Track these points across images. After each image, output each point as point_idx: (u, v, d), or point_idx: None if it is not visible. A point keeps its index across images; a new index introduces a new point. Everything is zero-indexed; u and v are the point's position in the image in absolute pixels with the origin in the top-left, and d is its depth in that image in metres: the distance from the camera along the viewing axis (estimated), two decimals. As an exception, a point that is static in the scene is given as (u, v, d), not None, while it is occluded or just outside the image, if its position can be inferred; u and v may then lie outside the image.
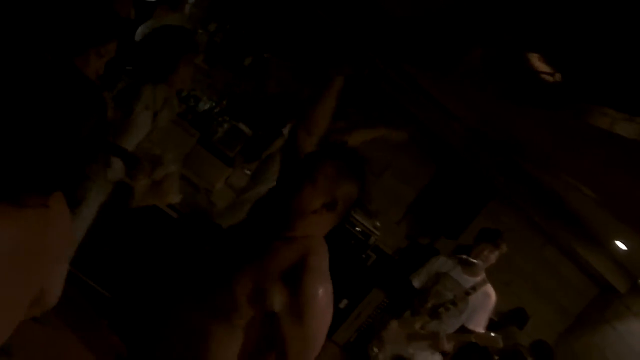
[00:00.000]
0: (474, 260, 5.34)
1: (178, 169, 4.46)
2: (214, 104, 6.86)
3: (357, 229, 6.91)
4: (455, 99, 6.06)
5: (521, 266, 7.80)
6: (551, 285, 8.08)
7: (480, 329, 5.38)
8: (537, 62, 3.27)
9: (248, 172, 6.29)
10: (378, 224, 7.08)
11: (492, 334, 5.34)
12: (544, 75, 3.20)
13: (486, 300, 5.41)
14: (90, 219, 4.21)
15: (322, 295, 2.32)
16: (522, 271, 7.87)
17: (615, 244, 6.72)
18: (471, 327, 5.35)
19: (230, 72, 7.11)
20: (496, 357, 5.75)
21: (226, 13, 7.11)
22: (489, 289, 5.42)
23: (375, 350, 5.46)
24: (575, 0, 2.75)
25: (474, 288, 5.34)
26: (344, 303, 7.14)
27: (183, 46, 4.19)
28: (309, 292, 2.29)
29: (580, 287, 8.17)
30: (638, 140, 2.83)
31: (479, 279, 5.39)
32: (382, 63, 6.80)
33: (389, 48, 5.93)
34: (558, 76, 3.07)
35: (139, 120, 4.06)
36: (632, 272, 7.44)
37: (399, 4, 5.08)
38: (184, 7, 5.43)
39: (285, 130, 6.53)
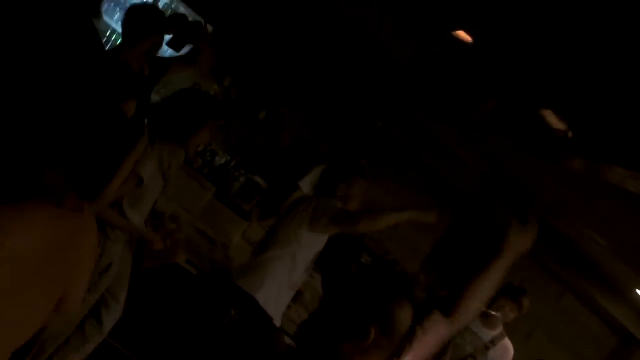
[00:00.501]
0: (495, 313, 5.28)
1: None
2: (229, 158, 6.93)
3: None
4: (468, 148, 6.09)
5: (540, 316, 7.71)
6: (571, 335, 7.98)
7: None
8: (550, 117, 3.31)
9: (266, 227, 6.31)
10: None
11: None
12: (557, 132, 3.23)
13: (505, 354, 5.37)
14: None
15: None
16: (541, 321, 7.78)
17: (635, 292, 6.66)
18: None
19: (245, 125, 7.19)
20: None
21: (241, 68, 7.21)
22: (507, 342, 5.37)
23: None
24: (588, 62, 2.79)
25: (493, 342, 5.28)
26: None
27: (212, 112, 4.25)
28: None
29: (600, 336, 8.06)
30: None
31: (497, 332, 5.33)
32: (395, 114, 6.86)
33: (402, 99, 5.99)
34: (570, 133, 3.10)
35: (151, 185, 4.08)
36: (654, 321, 7.36)
37: (412, 55, 5.16)
38: (205, 62, 5.49)
39: (303, 184, 6.57)
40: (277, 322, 4.38)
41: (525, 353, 7.05)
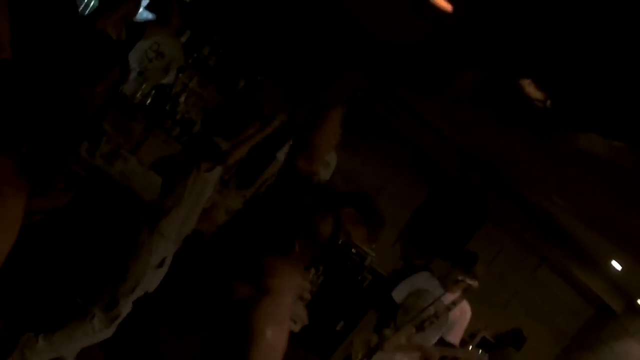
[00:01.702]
0: (471, 282, 5.44)
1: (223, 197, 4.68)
2: (207, 127, 6.87)
3: (353, 250, 6.91)
4: (447, 121, 6.09)
5: (517, 288, 7.80)
6: (547, 307, 8.08)
7: (457, 341, 5.69)
8: (529, 88, 3.30)
9: (244, 197, 6.30)
10: (373, 246, 7.08)
11: (480, 351, 5.51)
12: (535, 101, 3.22)
13: (464, 314, 5.67)
14: None
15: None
16: (518, 293, 7.87)
17: (610, 264, 6.73)
18: (450, 339, 5.63)
19: (224, 95, 7.13)
20: None
21: (220, 36, 7.14)
22: (466, 304, 5.64)
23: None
24: (567, 28, 2.78)
25: (454, 303, 5.53)
26: (340, 325, 7.13)
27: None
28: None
29: (575, 307, 8.17)
30: (625, 165, 2.85)
31: (457, 294, 5.53)
32: (374, 86, 6.83)
33: (381, 72, 5.96)
34: (549, 103, 3.09)
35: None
36: (628, 292, 7.44)
37: (391, 28, 5.12)
38: (173, 22, 5.44)
39: (280, 155, 6.56)
40: None
41: (501, 323, 7.14)
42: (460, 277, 5.58)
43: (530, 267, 7.99)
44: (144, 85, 6.63)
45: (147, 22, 5.03)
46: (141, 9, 5.60)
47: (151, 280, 4.17)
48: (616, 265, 6.67)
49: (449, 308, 5.53)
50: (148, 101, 6.78)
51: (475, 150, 6.50)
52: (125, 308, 4.12)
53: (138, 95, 6.71)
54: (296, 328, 5.59)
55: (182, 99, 6.96)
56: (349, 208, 3.82)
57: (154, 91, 6.83)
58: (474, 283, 5.48)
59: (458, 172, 7.31)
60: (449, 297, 5.55)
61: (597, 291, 7.74)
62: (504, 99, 3.64)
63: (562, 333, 8.21)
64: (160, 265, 4.19)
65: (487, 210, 7.42)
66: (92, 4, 6.79)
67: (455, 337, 5.71)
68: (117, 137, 6.27)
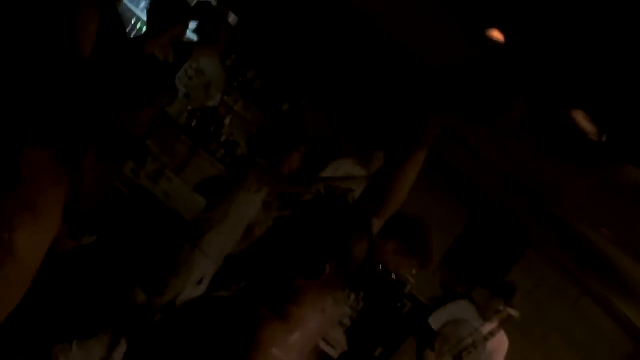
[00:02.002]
0: (513, 313, 5.41)
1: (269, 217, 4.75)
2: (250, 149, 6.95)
3: (393, 276, 6.89)
4: (491, 148, 6.06)
5: (557, 318, 7.70)
6: (587, 339, 7.95)
7: None
8: (582, 120, 3.28)
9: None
10: (414, 272, 7.05)
11: None
12: (587, 134, 3.20)
13: (501, 345, 5.58)
14: None
15: None
16: (558, 324, 7.77)
17: (653, 297, 6.63)
18: None
19: (268, 118, 7.20)
20: None
21: (264, 60, 7.22)
22: (503, 335, 5.57)
23: None
24: (620, 60, 2.77)
25: (492, 333, 5.51)
26: (378, 351, 7.09)
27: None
28: None
29: (616, 341, 8.03)
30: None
31: (495, 325, 5.48)
32: (418, 111, 6.84)
33: (427, 97, 5.96)
34: (604, 137, 3.07)
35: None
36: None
37: (439, 55, 5.13)
38: (221, 44, 5.50)
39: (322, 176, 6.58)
40: None
41: (540, 355, 7.04)
42: (501, 307, 5.55)
43: (572, 298, 7.88)
44: (189, 107, 6.74)
45: (194, 43, 5.08)
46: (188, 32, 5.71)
47: (189, 296, 4.17)
48: (659, 298, 6.57)
49: (486, 338, 5.50)
50: (193, 122, 6.88)
51: (519, 177, 6.46)
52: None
53: (183, 116, 6.81)
54: (335, 353, 5.58)
55: (227, 121, 7.05)
56: (393, 240, 3.75)
57: (199, 113, 6.93)
58: (516, 313, 5.45)
59: (500, 199, 7.27)
60: (486, 327, 5.53)
61: (638, 325, 7.60)
62: (555, 130, 3.63)
63: (602, 366, 8.09)
64: (200, 282, 4.24)
65: (528, 239, 7.36)
66: (139, 26, 6.92)
67: None
68: (162, 157, 6.35)
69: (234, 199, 4.22)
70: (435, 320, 5.79)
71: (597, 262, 7.11)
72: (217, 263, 4.36)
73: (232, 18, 7.35)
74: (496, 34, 3.64)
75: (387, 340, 7.11)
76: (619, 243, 5.25)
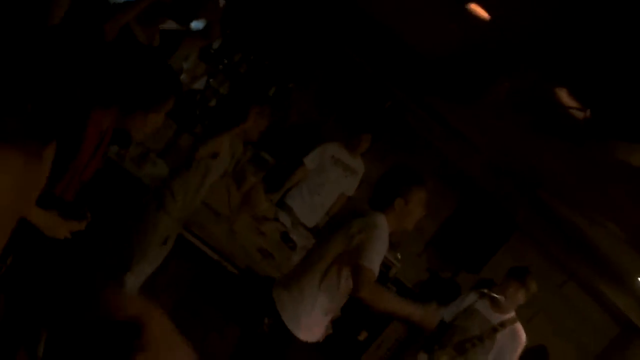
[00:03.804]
0: (497, 296, 5.26)
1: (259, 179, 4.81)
2: (237, 133, 6.90)
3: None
4: (478, 131, 6.05)
5: (542, 303, 7.70)
6: (572, 323, 7.99)
7: None
8: (566, 97, 3.27)
9: (270, 201, 6.29)
10: (399, 255, 7.04)
11: None
12: (572, 111, 3.19)
13: (515, 340, 5.30)
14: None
15: None
16: (543, 308, 7.77)
17: (638, 282, 6.64)
18: None
19: (254, 101, 7.15)
20: None
21: (251, 44, 7.17)
22: (519, 327, 5.30)
23: None
24: (606, 38, 2.75)
25: (503, 325, 5.24)
26: (363, 335, 7.08)
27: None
28: None
29: (601, 325, 8.07)
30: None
31: (508, 316, 5.29)
32: (404, 94, 6.82)
33: (413, 80, 5.94)
34: (588, 112, 3.06)
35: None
36: (656, 311, 7.35)
37: (424, 37, 5.11)
38: (213, 37, 5.44)
39: (307, 160, 6.57)
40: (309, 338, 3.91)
41: (526, 338, 7.05)
42: (485, 290, 5.43)
43: (557, 283, 7.91)
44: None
45: (184, 33, 5.03)
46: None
47: (155, 257, 4.46)
48: (645, 283, 6.59)
49: (495, 329, 5.23)
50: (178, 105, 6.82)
51: (506, 161, 6.46)
52: (131, 280, 4.34)
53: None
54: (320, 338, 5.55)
55: (213, 103, 7.00)
56: None
57: (184, 96, 6.88)
58: (500, 297, 5.31)
59: (487, 183, 7.27)
60: (497, 318, 5.28)
61: (623, 309, 7.63)
62: (540, 107, 3.61)
63: (587, 351, 8.11)
64: (164, 242, 4.47)
65: (514, 223, 7.36)
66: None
67: None
68: (147, 140, 6.30)
69: (194, 163, 4.42)
70: (449, 312, 5.59)
71: (582, 246, 7.13)
72: (180, 224, 4.58)
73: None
74: (481, 12, 3.62)
75: (372, 325, 7.09)
76: (604, 223, 5.25)
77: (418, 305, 3.74)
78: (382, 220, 3.65)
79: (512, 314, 5.32)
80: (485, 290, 5.43)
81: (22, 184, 1.63)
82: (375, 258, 3.50)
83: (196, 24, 5.33)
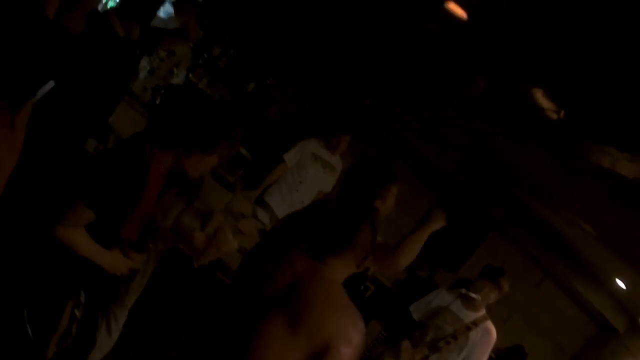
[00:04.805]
0: (474, 295, 5.28)
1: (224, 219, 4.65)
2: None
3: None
4: (454, 128, 6.05)
5: (519, 301, 7.74)
6: (549, 322, 8.01)
7: None
8: (541, 98, 3.27)
9: (249, 198, 6.27)
10: (376, 254, 7.02)
11: None
12: (547, 112, 3.19)
13: (486, 337, 5.32)
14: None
15: None
16: (520, 307, 7.81)
17: (614, 281, 6.67)
18: None
19: (233, 97, 7.12)
20: None
21: (230, 37, 7.13)
22: (490, 325, 5.35)
23: None
24: (581, 38, 2.75)
25: (475, 323, 5.28)
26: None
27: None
28: None
29: (578, 324, 8.10)
30: (638, 179, 2.81)
31: (479, 314, 5.33)
32: (383, 91, 6.81)
33: (391, 77, 5.93)
34: (562, 113, 3.06)
35: None
36: (631, 311, 7.38)
37: (402, 34, 5.09)
38: (192, 36, 5.36)
39: (287, 157, 6.54)
40: None
41: (502, 337, 7.04)
42: (462, 291, 5.45)
43: (534, 281, 7.93)
44: (153, 84, 6.64)
45: (165, 31, 4.98)
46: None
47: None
48: (620, 283, 6.61)
49: (468, 327, 5.27)
50: (157, 100, 6.78)
51: (482, 158, 6.46)
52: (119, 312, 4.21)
53: (147, 93, 6.71)
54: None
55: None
56: None
57: (162, 90, 6.83)
58: (476, 297, 5.33)
59: (464, 181, 7.27)
60: (469, 316, 5.34)
61: (600, 309, 7.67)
62: (515, 107, 3.61)
63: (563, 350, 8.14)
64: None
65: (492, 221, 7.37)
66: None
67: None
68: (125, 134, 6.25)
69: None
70: (417, 310, 5.62)
71: (559, 245, 7.16)
72: None
73: (199, -6, 7.26)
74: (457, 10, 3.61)
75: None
76: (579, 223, 5.26)
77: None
78: None
79: (483, 311, 5.37)
80: (463, 291, 5.44)
81: None
82: None
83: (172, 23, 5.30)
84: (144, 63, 6.62)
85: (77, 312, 3.02)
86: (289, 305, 2.51)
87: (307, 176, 6.58)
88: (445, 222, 4.12)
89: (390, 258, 3.84)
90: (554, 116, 3.13)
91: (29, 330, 2.84)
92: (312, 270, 2.63)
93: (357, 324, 2.62)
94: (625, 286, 6.54)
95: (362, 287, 7.06)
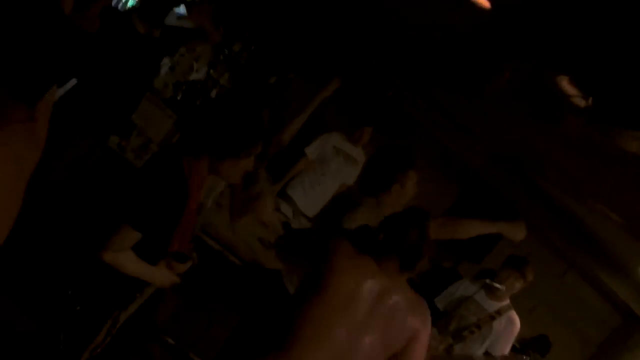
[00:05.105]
0: (498, 286, 5.28)
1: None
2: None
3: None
4: (479, 121, 6.04)
5: (544, 292, 7.71)
6: (574, 313, 7.99)
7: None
8: (567, 86, 3.26)
9: (273, 192, 6.29)
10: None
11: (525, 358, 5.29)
12: (574, 99, 3.18)
13: (510, 327, 5.37)
14: None
15: None
16: (545, 298, 7.78)
17: (639, 270, 6.64)
18: (495, 353, 5.30)
19: (255, 91, 7.14)
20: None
21: (251, 33, 7.16)
22: (514, 315, 5.37)
23: None
24: (606, 24, 2.74)
25: (499, 312, 5.29)
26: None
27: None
28: None
29: (603, 315, 8.07)
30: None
31: (503, 304, 5.34)
32: (405, 84, 6.80)
33: (414, 70, 5.93)
34: (589, 100, 3.05)
35: None
36: (656, 301, 7.35)
37: (424, 25, 5.09)
38: (214, 40, 5.36)
39: (309, 150, 6.56)
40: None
41: (527, 328, 7.04)
42: (487, 280, 5.45)
43: (558, 273, 7.90)
44: (174, 80, 6.68)
45: (187, 31, 5.01)
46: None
47: None
48: (646, 272, 6.59)
49: (492, 317, 5.29)
50: (179, 96, 6.82)
51: (506, 150, 6.44)
52: None
53: (169, 89, 6.75)
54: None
55: (213, 94, 7.00)
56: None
57: (184, 87, 6.87)
58: (500, 287, 5.33)
59: (488, 172, 7.25)
60: (493, 306, 5.35)
61: (625, 299, 7.63)
62: (541, 96, 3.60)
63: (589, 340, 8.12)
64: None
65: (516, 213, 7.34)
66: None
67: (499, 352, 5.33)
68: (147, 131, 6.30)
69: None
70: (442, 300, 5.64)
71: (583, 236, 7.13)
72: None
73: (218, -9, 7.29)
74: (481, 1, 3.60)
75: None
76: (605, 212, 5.24)
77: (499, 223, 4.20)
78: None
79: (507, 301, 5.37)
80: (488, 281, 5.44)
81: (20, 153, 1.61)
82: None
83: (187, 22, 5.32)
84: (165, 60, 6.66)
85: (113, 330, 3.03)
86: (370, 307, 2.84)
87: (330, 169, 6.60)
88: (523, 235, 4.09)
89: (449, 227, 3.92)
90: (581, 103, 3.13)
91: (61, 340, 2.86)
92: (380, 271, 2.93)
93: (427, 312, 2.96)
94: (651, 275, 6.52)
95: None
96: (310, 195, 6.57)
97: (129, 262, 2.81)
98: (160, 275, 2.98)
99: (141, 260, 2.85)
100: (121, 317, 3.01)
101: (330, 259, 2.89)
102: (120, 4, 6.77)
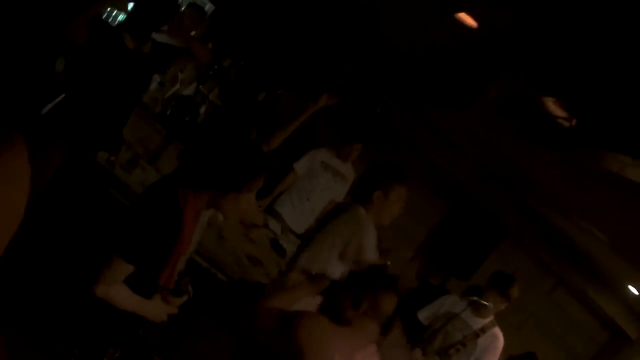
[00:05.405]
0: (486, 303, 5.28)
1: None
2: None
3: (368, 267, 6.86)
4: (467, 137, 6.06)
5: (532, 309, 7.73)
6: (562, 329, 7.99)
7: None
8: (553, 106, 3.28)
9: (260, 207, 6.27)
10: (389, 262, 7.01)
11: None
12: (559, 120, 3.20)
13: (494, 342, 5.37)
14: None
15: None
16: (532, 314, 7.79)
17: (627, 288, 6.66)
18: None
19: (244, 107, 7.14)
20: None
21: (240, 49, 7.17)
22: (497, 331, 5.38)
23: None
24: (592, 48, 2.76)
25: (483, 330, 5.30)
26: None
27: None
28: None
29: (591, 331, 8.08)
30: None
31: (487, 321, 5.34)
32: (394, 100, 6.82)
33: (403, 86, 5.95)
34: (574, 121, 3.07)
35: None
36: (644, 318, 7.37)
37: (413, 43, 5.12)
38: (204, 58, 5.32)
39: (297, 166, 6.56)
40: None
41: (515, 344, 7.04)
42: (474, 298, 5.44)
43: (547, 289, 7.91)
44: (165, 95, 6.68)
45: (176, 50, 5.00)
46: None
47: None
48: (633, 290, 6.60)
49: (477, 334, 5.31)
50: (168, 111, 6.81)
51: (494, 166, 6.47)
52: None
53: (158, 105, 6.74)
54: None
55: (202, 110, 6.98)
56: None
57: (174, 102, 6.86)
58: (488, 304, 5.33)
59: (476, 189, 7.27)
60: (478, 323, 5.36)
61: (612, 316, 7.65)
62: (527, 115, 3.62)
63: (576, 357, 8.12)
64: None
65: (504, 229, 7.37)
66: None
67: None
68: (136, 146, 6.28)
69: None
70: (424, 315, 5.63)
71: (571, 252, 7.15)
72: None
73: (208, 7, 7.31)
74: (468, 19, 3.63)
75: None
76: (591, 231, 5.26)
77: None
78: (363, 211, 3.86)
79: (491, 317, 5.38)
80: (475, 298, 5.44)
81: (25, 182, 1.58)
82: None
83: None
84: (155, 75, 6.66)
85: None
86: None
87: (318, 185, 6.59)
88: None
89: None
90: (566, 124, 3.14)
91: None
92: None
93: None
94: (638, 292, 6.53)
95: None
96: (299, 211, 6.56)
97: (123, 297, 2.73)
98: (155, 310, 2.90)
99: (135, 294, 2.77)
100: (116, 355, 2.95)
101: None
102: (111, 18, 6.79)
